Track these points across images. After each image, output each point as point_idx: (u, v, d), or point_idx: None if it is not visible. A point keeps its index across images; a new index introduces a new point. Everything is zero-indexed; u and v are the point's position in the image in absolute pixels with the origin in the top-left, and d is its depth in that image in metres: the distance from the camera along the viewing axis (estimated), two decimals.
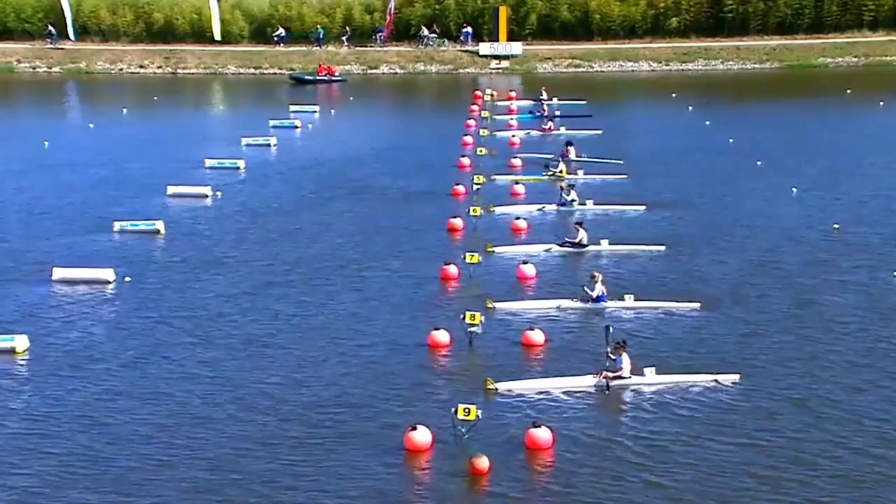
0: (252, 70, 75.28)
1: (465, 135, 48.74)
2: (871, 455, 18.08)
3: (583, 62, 74.90)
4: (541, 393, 20.57)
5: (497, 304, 25.37)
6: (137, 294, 26.99)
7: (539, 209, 35.03)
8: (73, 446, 18.68)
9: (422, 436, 18.24)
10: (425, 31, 76.94)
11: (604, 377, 20.82)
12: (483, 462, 17.46)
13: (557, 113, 54.72)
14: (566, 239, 30.36)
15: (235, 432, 19.13)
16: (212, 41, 77.22)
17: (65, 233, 32.97)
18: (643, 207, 34.92)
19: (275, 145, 48.08)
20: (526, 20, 77.22)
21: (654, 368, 21.02)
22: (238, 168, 42.86)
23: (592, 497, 16.89)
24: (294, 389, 20.98)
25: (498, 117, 54.60)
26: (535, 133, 50.48)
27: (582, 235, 30.22)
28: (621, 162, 41.78)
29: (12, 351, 22.85)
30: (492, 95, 61.48)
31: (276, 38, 77.66)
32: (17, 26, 79.46)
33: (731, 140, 47.53)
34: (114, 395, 20.83)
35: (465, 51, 76.57)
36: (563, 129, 50.32)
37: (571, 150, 42.75)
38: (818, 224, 32.79)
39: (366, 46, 77.55)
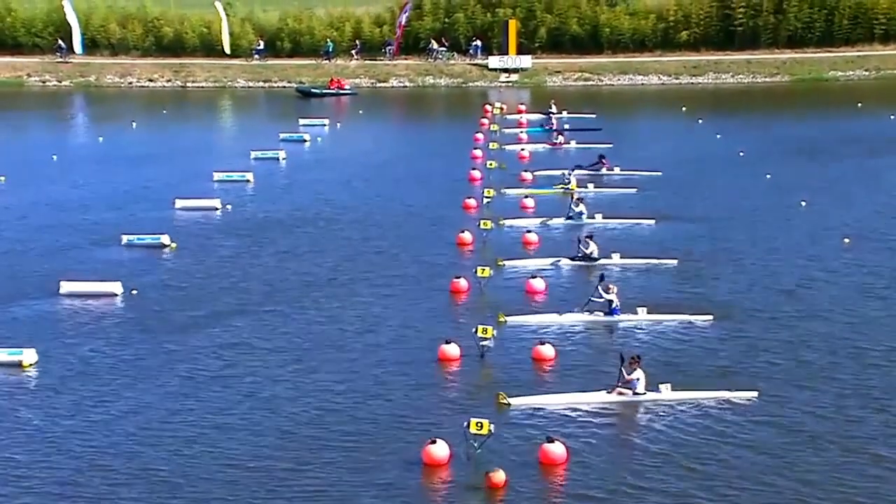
0: (262, 83, 75.23)
1: (475, 148, 48.57)
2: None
3: (592, 76, 74.74)
4: (554, 408, 20.36)
5: (510, 318, 25.17)
6: (145, 307, 26.83)
7: (545, 222, 34.88)
8: (81, 460, 18.51)
9: (440, 450, 18.09)
10: (434, 45, 76.86)
11: (618, 393, 20.61)
12: (499, 476, 17.33)
13: (567, 126, 54.53)
14: (578, 252, 30.13)
15: (248, 448, 18.93)
16: (221, 55, 77.25)
17: (73, 246, 32.84)
18: (652, 221, 34.73)
19: (284, 159, 47.97)
20: (535, 34, 77.11)
21: (669, 385, 20.79)
22: (247, 181, 42.76)
23: None
24: (305, 402, 20.82)
25: (507, 131, 54.41)
26: (544, 146, 50.34)
27: (593, 249, 30.03)
28: (660, 173, 41.89)
29: (20, 365, 22.71)
30: (501, 109, 61.32)
31: (253, 51, 77.64)
32: (27, 40, 79.56)
33: (741, 153, 47.34)
34: (121, 408, 20.67)
35: (475, 64, 76.45)
36: (573, 143, 50.15)
37: (606, 162, 43.05)
38: (828, 238, 32.56)
39: (375, 60, 77.52)
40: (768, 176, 42.01)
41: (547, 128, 54.24)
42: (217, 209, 37.75)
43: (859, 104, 62.59)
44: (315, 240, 33.42)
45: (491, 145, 49.37)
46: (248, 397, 21.18)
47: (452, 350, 22.83)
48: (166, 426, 19.84)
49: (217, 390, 21.56)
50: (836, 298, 26.79)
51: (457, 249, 32.00)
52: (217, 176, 42.93)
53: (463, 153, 47.54)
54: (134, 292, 27.81)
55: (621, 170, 43.09)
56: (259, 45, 77.88)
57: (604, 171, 42.91)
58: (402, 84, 75.03)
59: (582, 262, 29.92)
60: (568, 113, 58.52)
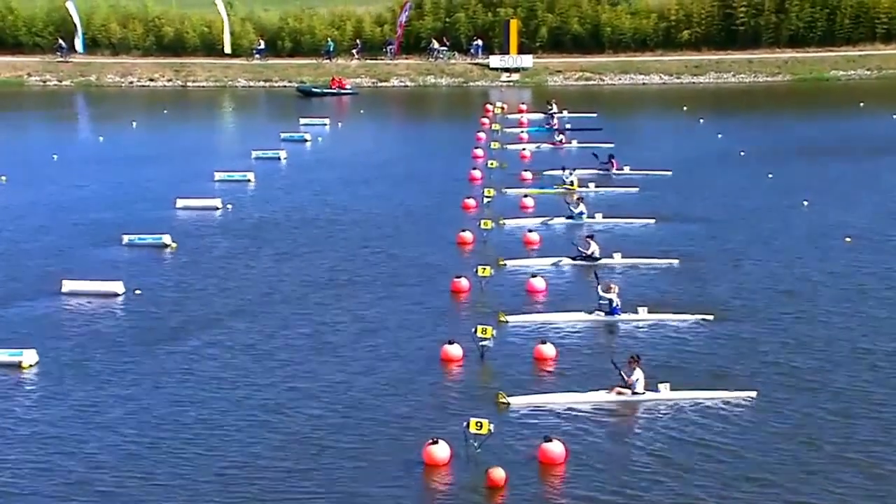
0: (262, 83, 75.24)
1: (476, 148, 48.57)
2: (892, 472, 17.83)
3: (593, 75, 74.74)
4: (553, 407, 20.36)
5: (510, 318, 25.17)
6: (146, 307, 26.83)
7: (546, 221, 34.87)
8: (80, 461, 18.52)
9: (441, 450, 18.11)
10: (435, 44, 76.89)
11: (617, 392, 20.61)
12: (499, 474, 17.36)
13: (568, 126, 54.50)
14: (578, 252, 30.13)
15: (249, 448, 18.93)
16: (222, 54, 77.25)
17: (74, 245, 32.84)
18: (653, 220, 34.71)
19: (284, 158, 47.95)
20: (536, 33, 77.13)
21: (668, 384, 20.79)
22: (248, 181, 42.77)
23: None
24: (305, 402, 20.81)
25: (508, 130, 54.39)
26: (545, 146, 50.34)
27: (594, 248, 30.02)
28: (670, 173, 41.91)
29: (19, 366, 22.69)
30: (502, 108, 61.31)
31: (253, 51, 77.65)
32: (28, 40, 79.62)
33: (742, 153, 47.32)
34: (121, 410, 20.66)
35: (476, 63, 76.48)
36: (574, 143, 50.14)
37: (615, 162, 43.00)
38: (830, 237, 32.53)
39: (376, 59, 77.53)
40: (770, 176, 41.99)
41: (548, 127, 54.23)
42: (218, 209, 37.75)
43: (861, 104, 62.54)
44: (316, 239, 33.40)
45: (492, 145, 49.36)
46: (248, 398, 21.16)
47: (455, 350, 22.81)
48: (166, 428, 19.83)
49: (217, 391, 21.55)
50: (837, 299, 26.76)
51: (457, 249, 31.98)
52: (218, 176, 42.92)
53: (464, 153, 47.53)
54: (137, 292, 27.80)
55: (631, 169, 43.02)
56: (260, 45, 77.92)
57: (613, 171, 42.88)
58: (403, 84, 75.02)
59: (583, 262, 29.91)
60: (569, 112, 58.47)
